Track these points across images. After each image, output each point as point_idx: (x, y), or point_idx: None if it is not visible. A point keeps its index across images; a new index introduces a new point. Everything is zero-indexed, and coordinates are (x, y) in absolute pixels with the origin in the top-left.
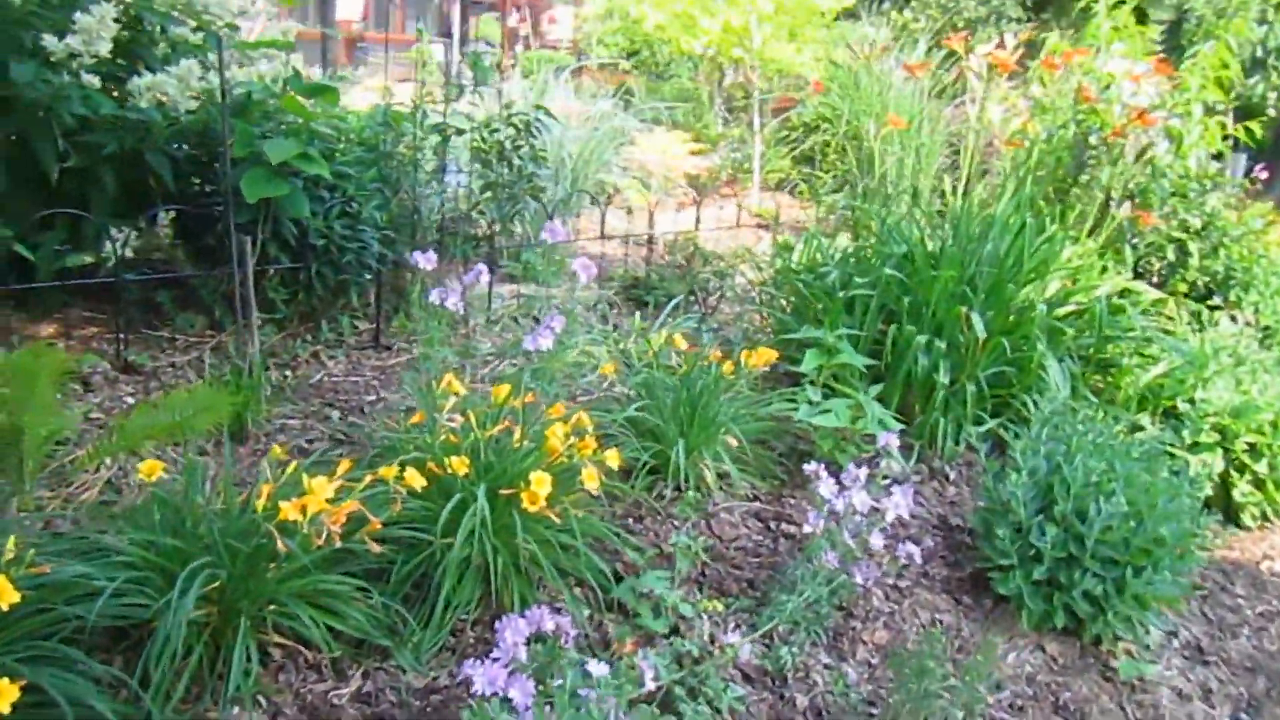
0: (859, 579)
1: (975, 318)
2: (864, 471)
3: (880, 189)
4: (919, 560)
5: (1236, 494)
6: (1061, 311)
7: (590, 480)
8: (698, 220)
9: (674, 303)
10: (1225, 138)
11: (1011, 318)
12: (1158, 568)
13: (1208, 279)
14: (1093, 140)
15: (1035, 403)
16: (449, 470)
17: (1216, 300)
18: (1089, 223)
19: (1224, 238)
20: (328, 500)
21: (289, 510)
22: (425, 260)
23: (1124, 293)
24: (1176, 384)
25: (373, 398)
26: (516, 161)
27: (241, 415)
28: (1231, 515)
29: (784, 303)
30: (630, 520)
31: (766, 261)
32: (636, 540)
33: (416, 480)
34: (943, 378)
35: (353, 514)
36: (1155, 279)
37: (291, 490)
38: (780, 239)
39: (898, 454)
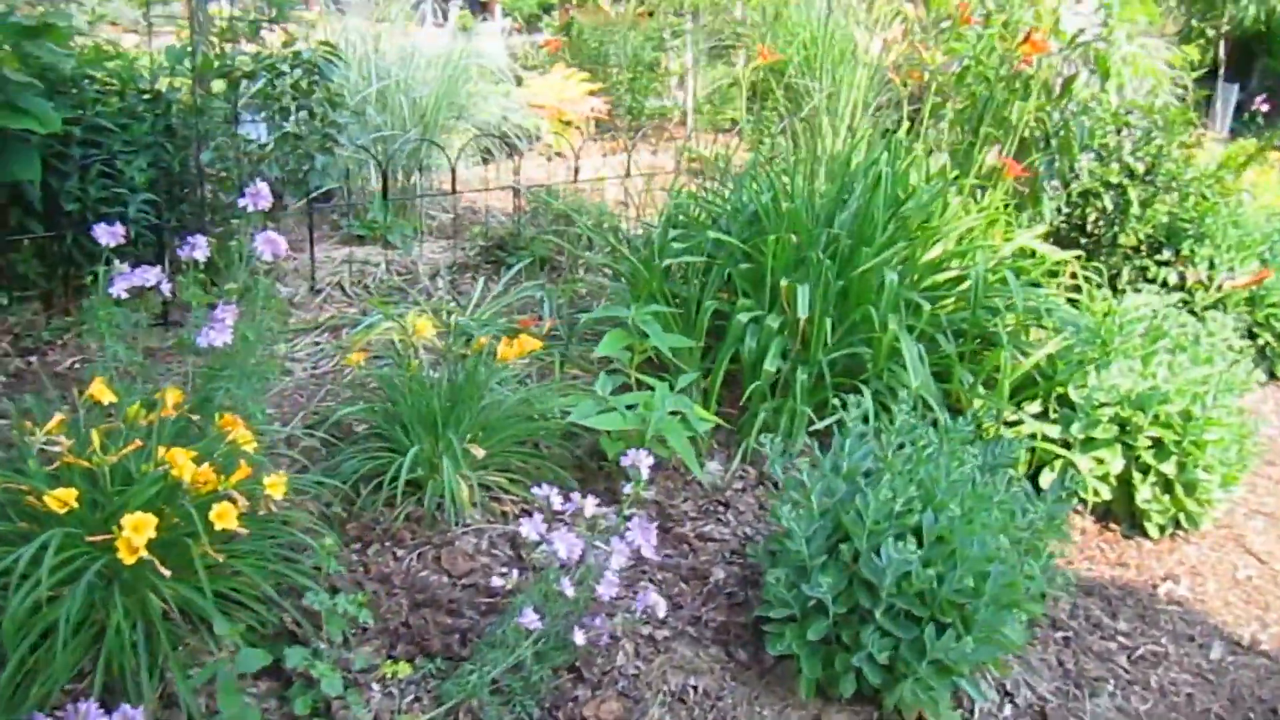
0: (580, 639)
1: (801, 292)
2: (590, 502)
3: (806, 131)
4: (661, 614)
5: (1139, 499)
6: (942, 278)
7: (223, 519)
8: (576, 171)
9: (515, 269)
10: (1198, 65)
11: (868, 290)
12: (970, 624)
13: (1150, 231)
14: (1004, 72)
15: (894, 391)
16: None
17: (1167, 255)
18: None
19: (1171, 183)
20: None
21: None
22: (108, 234)
23: (1031, 254)
24: (1075, 366)
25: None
26: (318, 109)
27: None
28: (1137, 523)
29: (614, 270)
30: (357, 548)
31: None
32: (347, 576)
33: None
34: (769, 363)
35: None
36: (1090, 234)
37: None
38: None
39: (644, 472)
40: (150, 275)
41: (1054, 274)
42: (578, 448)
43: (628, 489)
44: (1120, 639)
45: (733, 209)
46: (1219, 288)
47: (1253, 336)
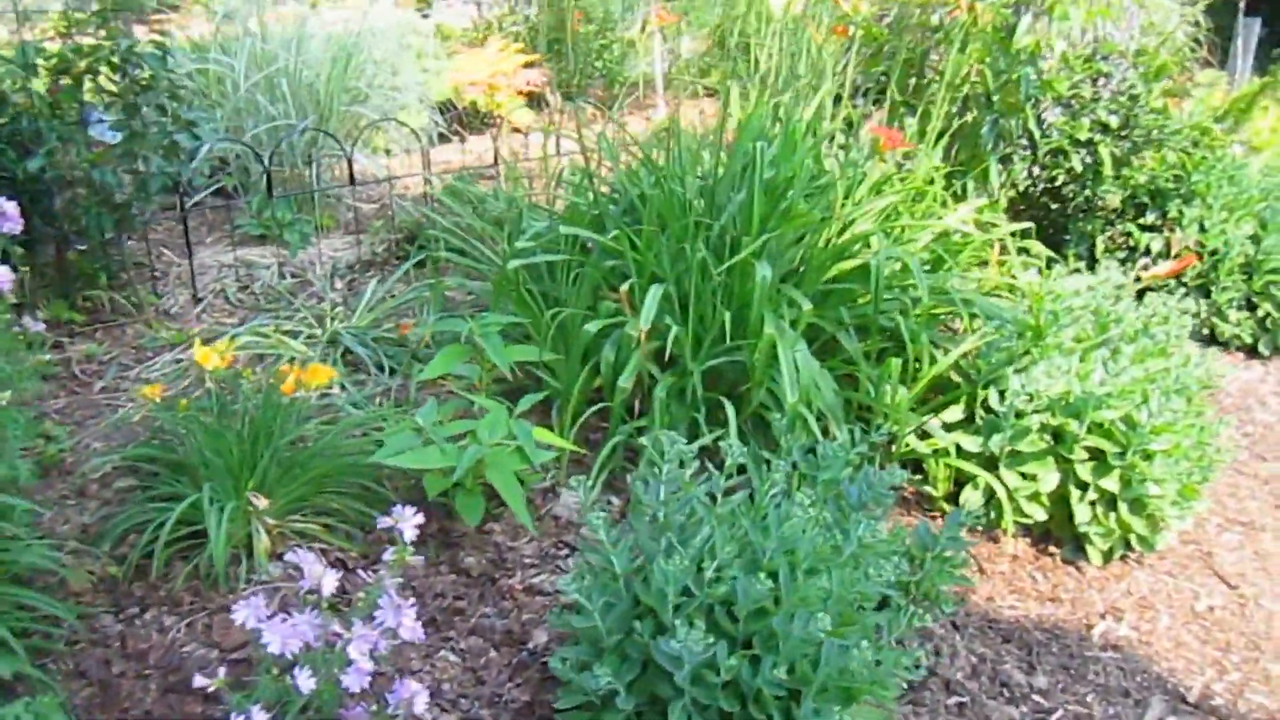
0: None
1: (651, 294)
2: (330, 577)
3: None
4: (419, 709)
5: (1078, 521)
6: (848, 266)
7: None
8: (496, 155)
9: (404, 267)
10: None
11: (750, 287)
12: None
13: (1129, 193)
14: (935, 20)
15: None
16: None
17: (1152, 218)
18: (935, 132)
19: (1148, 136)
20: None
21: None
22: None
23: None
24: (997, 366)
25: None
26: (154, 106)
27: None
28: (1080, 545)
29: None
30: (135, 612)
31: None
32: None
33: None
34: (625, 379)
35: None
36: (1061, 199)
37: None
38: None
39: (409, 534)
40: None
41: (1008, 251)
42: (417, 482)
43: (388, 555)
44: (1034, 699)
45: (608, 199)
46: (1213, 253)
47: (1251, 308)
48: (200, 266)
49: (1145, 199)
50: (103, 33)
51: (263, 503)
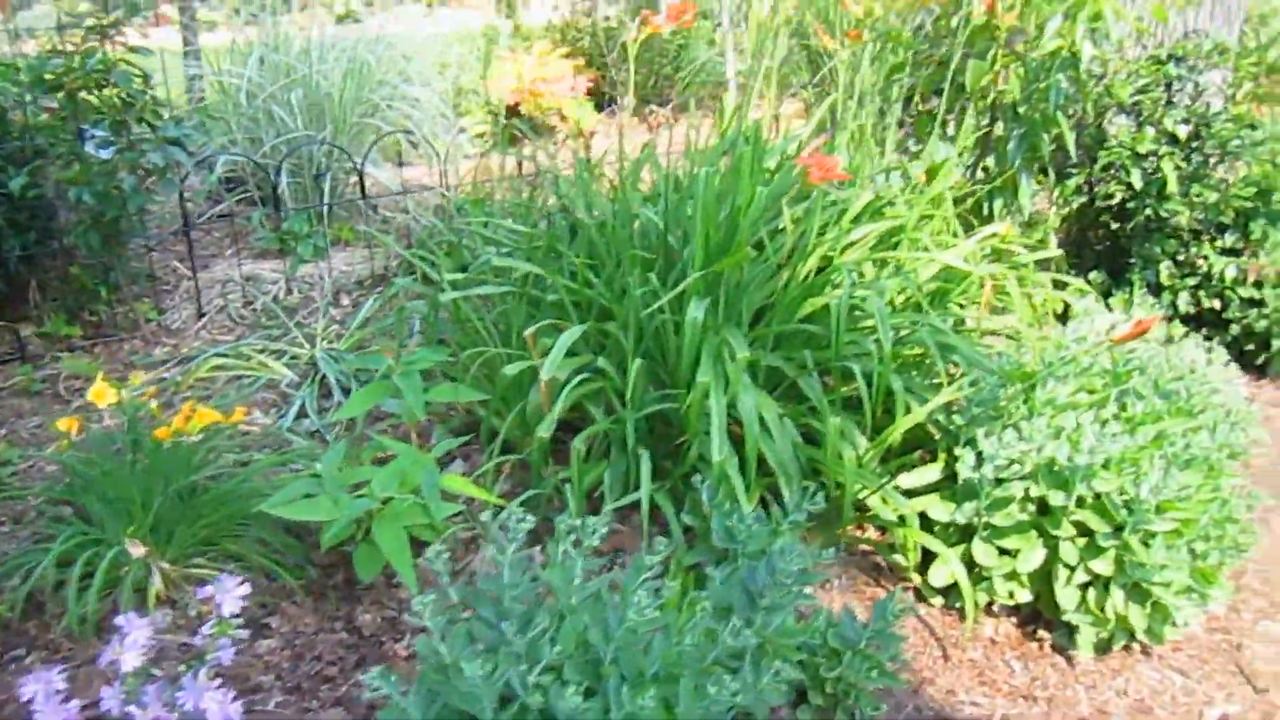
0: None
1: (561, 341)
2: (131, 655)
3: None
4: None
5: (1063, 607)
6: (819, 303)
7: None
8: (520, 165)
9: (395, 285)
10: None
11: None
12: None
13: (1201, 216)
14: (954, 24)
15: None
16: None
17: (1231, 239)
18: (958, 147)
19: (1225, 148)
20: None
21: None
22: None
23: (999, 258)
24: (976, 424)
25: None
26: (157, 121)
27: None
28: (1072, 634)
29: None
30: (19, 654)
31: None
32: None
33: None
34: (543, 429)
35: None
36: (1121, 218)
37: None
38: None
39: (230, 607)
40: None
41: (1066, 288)
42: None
43: (204, 632)
44: None
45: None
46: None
47: None
48: (211, 281)
49: (1226, 219)
50: (91, 45)
51: (139, 550)
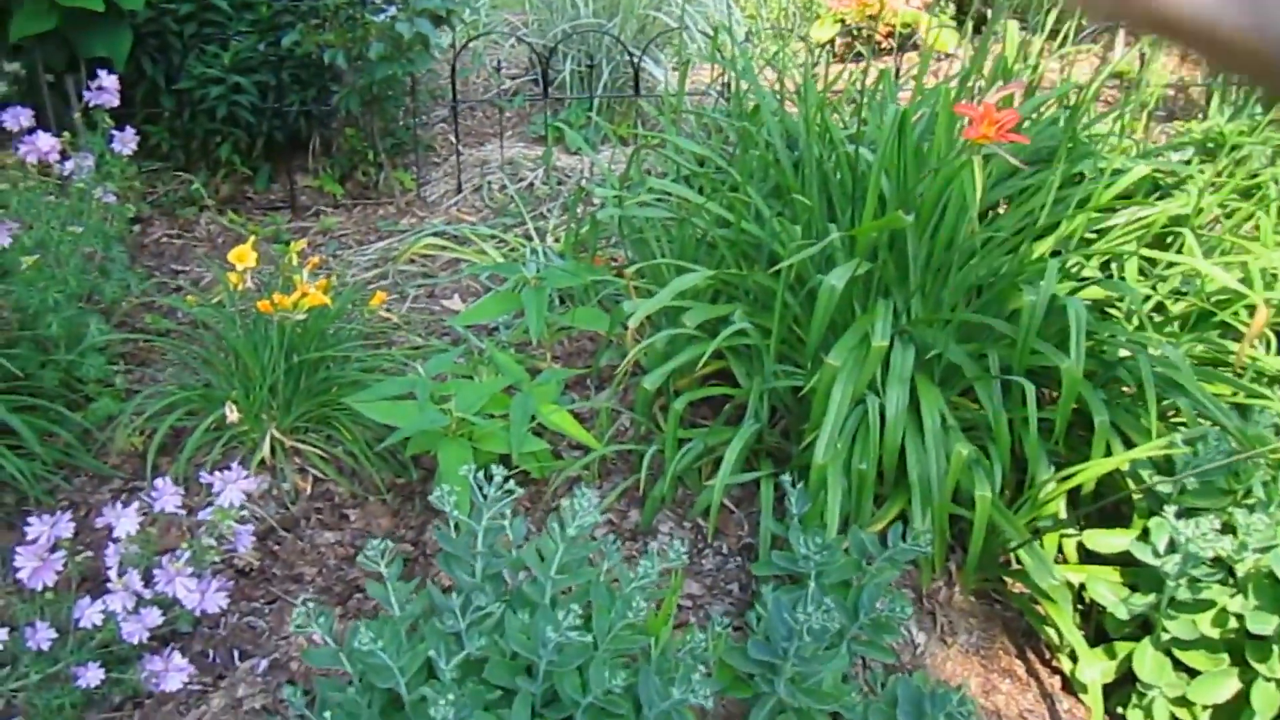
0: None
1: (671, 285)
2: (126, 520)
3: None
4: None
5: None
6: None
7: None
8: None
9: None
10: None
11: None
12: None
13: None
14: None
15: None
16: None
17: None
18: None
19: None
20: None
21: None
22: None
23: None
24: (1211, 494)
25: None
26: None
27: None
28: None
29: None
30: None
31: None
32: None
33: None
34: (650, 381)
35: None
36: None
37: None
38: None
39: (233, 498)
40: None
41: None
42: None
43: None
44: None
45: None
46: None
47: None
48: (477, 160)
49: None
50: None
51: (234, 415)
